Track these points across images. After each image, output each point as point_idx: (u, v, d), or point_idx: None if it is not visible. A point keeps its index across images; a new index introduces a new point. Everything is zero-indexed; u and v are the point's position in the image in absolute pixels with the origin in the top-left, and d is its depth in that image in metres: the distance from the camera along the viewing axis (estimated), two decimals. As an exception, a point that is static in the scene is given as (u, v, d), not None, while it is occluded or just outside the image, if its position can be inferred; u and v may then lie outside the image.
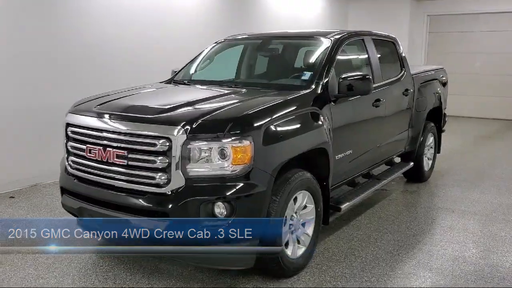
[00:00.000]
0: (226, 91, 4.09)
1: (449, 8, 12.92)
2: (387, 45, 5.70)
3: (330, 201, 4.32)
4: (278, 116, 3.50)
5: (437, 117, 6.76)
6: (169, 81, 4.89)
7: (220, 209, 3.19)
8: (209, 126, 3.24)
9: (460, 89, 12.98)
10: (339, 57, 4.49)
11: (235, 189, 3.19)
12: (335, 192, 4.58)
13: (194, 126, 3.20)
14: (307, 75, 4.26)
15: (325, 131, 3.95)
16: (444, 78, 7.08)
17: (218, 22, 8.71)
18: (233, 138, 3.18)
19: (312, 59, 4.52)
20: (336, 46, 4.47)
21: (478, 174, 6.99)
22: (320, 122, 3.90)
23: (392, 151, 5.63)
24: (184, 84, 4.69)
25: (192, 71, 5.03)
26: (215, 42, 5.29)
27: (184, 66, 5.10)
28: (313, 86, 4.09)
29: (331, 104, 4.12)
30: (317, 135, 3.83)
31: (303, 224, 3.86)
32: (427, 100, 6.17)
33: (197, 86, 4.57)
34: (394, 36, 5.83)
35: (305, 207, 3.83)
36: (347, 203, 4.44)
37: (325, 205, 4.08)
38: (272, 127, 3.40)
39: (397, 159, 6.17)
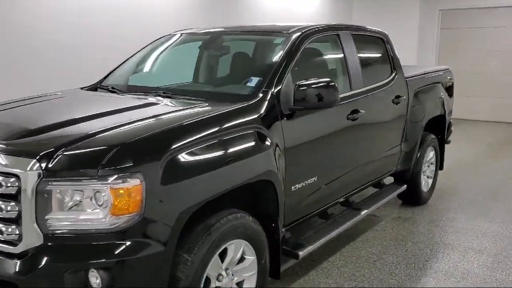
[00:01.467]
0: (140, 103, 3.11)
1: (463, 1, 11.75)
2: (373, 43, 4.67)
3: (286, 244, 3.35)
4: (192, 140, 2.51)
5: (439, 127, 5.71)
6: (94, 87, 3.92)
7: (94, 279, 2.22)
8: (77, 158, 2.27)
9: (474, 90, 11.87)
10: (301, 58, 3.49)
11: (115, 251, 2.21)
12: (299, 228, 3.60)
13: (55, 159, 2.22)
14: (253, 81, 3.26)
15: (272, 156, 2.95)
16: (449, 81, 6.01)
17: (200, 17, 7.73)
18: (113, 175, 2.20)
19: (262, 62, 3.54)
20: (295, 45, 3.46)
21: (489, 195, 5.91)
22: (265, 144, 2.91)
23: (378, 172, 4.60)
24: (107, 91, 3.71)
25: (128, 73, 4.06)
26: (162, 37, 4.31)
27: (116, 68, 4.13)
28: (260, 96, 3.09)
29: (283, 119, 3.12)
30: (257, 162, 2.84)
31: (240, 284, 2.89)
32: (425, 108, 5.12)
33: (119, 94, 3.58)
34: (383, 31, 4.78)
35: (241, 259, 2.85)
36: (308, 248, 3.43)
37: (275, 253, 3.10)
38: (180, 157, 2.41)
39: (390, 178, 5.14)
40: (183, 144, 2.44)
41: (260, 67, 3.52)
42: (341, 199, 4.09)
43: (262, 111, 3.01)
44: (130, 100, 3.28)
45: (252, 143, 2.81)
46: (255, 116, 2.96)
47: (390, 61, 4.71)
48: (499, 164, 7.54)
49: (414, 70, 5.43)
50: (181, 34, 4.18)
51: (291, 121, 3.18)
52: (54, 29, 5.78)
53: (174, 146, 2.40)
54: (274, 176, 2.95)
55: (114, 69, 4.12)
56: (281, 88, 3.17)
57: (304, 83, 3.14)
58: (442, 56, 12.43)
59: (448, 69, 6.13)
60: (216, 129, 2.66)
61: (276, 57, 3.37)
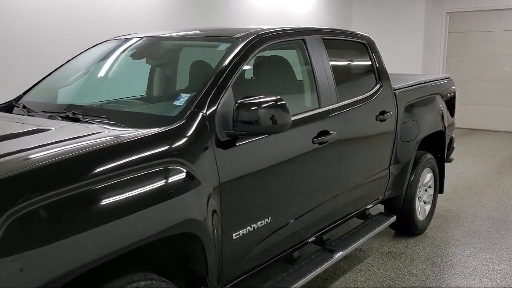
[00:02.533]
0: (23, 130, 2.40)
1: (472, 3, 10.96)
2: (353, 49, 3.95)
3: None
4: (62, 186, 1.79)
5: (438, 145, 4.96)
6: (9, 104, 3.24)
7: None
8: None
9: (486, 98, 11.06)
10: (250, 70, 2.78)
11: None
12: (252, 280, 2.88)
13: None
14: (181, 99, 2.55)
15: (197, 199, 2.24)
16: (450, 91, 5.25)
17: (181, 18, 7.04)
18: None
19: (198, 74, 2.82)
20: (242, 53, 2.74)
21: (498, 222, 5.12)
22: (185, 184, 2.20)
23: (360, 202, 3.86)
24: (17, 111, 3.03)
25: (52, 86, 3.38)
26: (98, 44, 3.62)
27: (42, 80, 3.45)
28: (185, 119, 2.38)
29: (219, 148, 2.41)
30: (169, 211, 2.13)
31: None
32: (419, 123, 4.37)
33: (24, 115, 2.89)
34: (366, 35, 4.05)
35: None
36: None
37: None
38: (38, 213, 1.70)
39: (380, 206, 4.40)
40: (43, 195, 1.73)
41: (194, 81, 2.82)
42: (312, 239, 3.35)
43: (186, 138, 2.30)
44: (18, 125, 2.58)
45: (162, 185, 2.10)
46: (175, 145, 2.25)
47: (374, 70, 3.98)
48: (510, 183, 6.73)
49: (408, 80, 4.69)
50: (118, 40, 3.49)
51: (230, 149, 2.48)
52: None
53: (24, 199, 1.69)
54: (198, 226, 2.24)
55: (39, 82, 3.44)
56: (216, 108, 2.46)
57: (246, 101, 2.44)
58: (450, 62, 11.63)
59: (449, 78, 5.37)
60: (105, 168, 1.95)
61: (214, 68, 2.66)
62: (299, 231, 3.12)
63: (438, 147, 5.00)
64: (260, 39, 2.90)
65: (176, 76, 3.10)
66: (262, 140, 2.65)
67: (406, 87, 4.32)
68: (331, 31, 3.61)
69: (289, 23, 9.20)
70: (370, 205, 4.08)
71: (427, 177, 4.77)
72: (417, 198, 4.58)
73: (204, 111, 2.42)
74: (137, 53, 3.31)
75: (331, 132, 3.20)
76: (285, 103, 2.47)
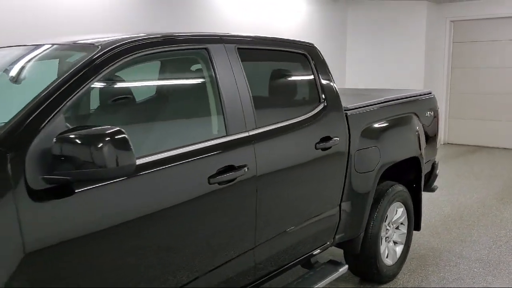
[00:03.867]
0: None
1: (478, 11, 10.14)
2: (286, 61, 3.21)
3: None
4: None
5: (412, 173, 4.18)
6: None
7: None
8: None
9: (493, 112, 10.22)
10: (110, 88, 2.07)
11: None
12: None
13: None
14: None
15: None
16: (431, 109, 4.48)
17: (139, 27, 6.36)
18: None
19: (26, 95, 2.10)
20: (90, 66, 2.03)
21: (488, 266, 4.30)
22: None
23: (297, 251, 3.10)
24: None
25: None
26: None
27: None
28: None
29: (28, 201, 1.69)
30: None
31: None
32: (381, 150, 3.60)
33: None
34: (308, 43, 3.31)
35: None
36: None
37: None
38: None
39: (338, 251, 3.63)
40: None
41: (10, 109, 2.10)
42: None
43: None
44: None
45: None
46: None
47: (317, 87, 3.23)
48: (511, 212, 5.88)
49: (375, 97, 3.94)
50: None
51: (56, 201, 1.76)
52: None
53: None
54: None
55: None
56: (30, 143, 1.75)
57: (68, 135, 1.73)
58: (454, 74, 10.80)
59: (429, 94, 4.59)
60: None
61: (38, 91, 1.94)
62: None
63: (413, 176, 4.21)
64: (131, 47, 2.18)
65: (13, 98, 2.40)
66: (123, 183, 1.93)
67: (363, 107, 3.56)
68: (252, 40, 2.87)
69: (276, 30, 8.50)
70: (318, 251, 3.32)
71: (398, 212, 3.99)
72: (382, 239, 3.80)
73: (9, 152, 1.71)
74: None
75: (240, 167, 2.47)
76: (124, 137, 1.75)
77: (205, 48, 2.52)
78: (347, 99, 3.88)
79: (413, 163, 4.14)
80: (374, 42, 10.46)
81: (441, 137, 10.96)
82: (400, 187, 3.94)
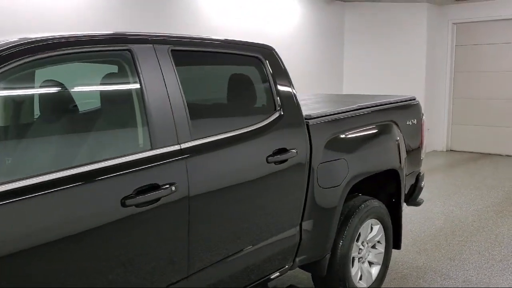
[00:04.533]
0: None
1: (483, 12, 9.76)
2: (235, 64, 2.90)
3: None
4: None
5: (391, 186, 3.85)
6: None
7: None
8: None
9: (500, 119, 9.82)
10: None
11: None
12: None
13: None
14: None
15: None
16: (414, 117, 4.14)
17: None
18: None
19: None
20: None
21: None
22: None
23: (246, 276, 2.77)
24: None
25: None
26: None
27: None
28: None
29: None
30: None
31: None
32: (349, 163, 3.27)
33: None
34: (264, 45, 2.99)
35: None
36: None
37: None
38: None
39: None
40: None
41: None
42: None
43: None
44: None
45: None
46: None
47: (273, 93, 2.91)
48: (508, 227, 5.49)
49: (349, 103, 3.62)
50: None
51: None
52: None
53: None
54: None
55: None
56: None
57: None
58: (457, 79, 10.40)
59: (413, 100, 4.25)
60: None
61: None
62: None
63: (392, 189, 3.88)
64: (26, 49, 1.88)
65: None
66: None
67: (329, 115, 3.23)
68: (191, 41, 2.55)
69: (268, 37, 8.19)
70: (276, 274, 2.99)
71: (374, 230, 3.65)
72: (354, 260, 3.46)
73: None
74: None
75: (166, 186, 2.16)
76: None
77: (128, 50, 2.22)
78: (318, 106, 3.57)
79: (392, 176, 3.80)
80: (373, 46, 10.10)
81: (444, 144, 10.57)
82: (375, 203, 3.60)
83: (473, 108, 10.24)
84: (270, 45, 2.98)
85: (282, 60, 3.00)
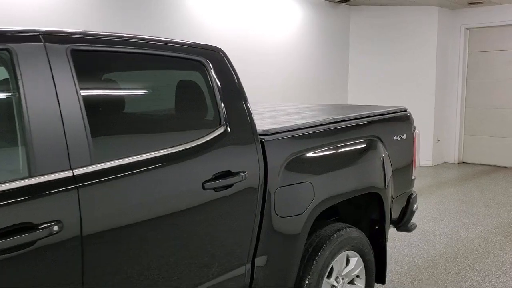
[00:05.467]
0: None
1: (497, 17, 9.17)
2: (170, 68, 2.43)
3: None
4: None
5: (375, 210, 3.34)
6: None
7: None
8: None
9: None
10: None
11: None
12: None
13: None
14: None
15: None
16: (403, 131, 3.61)
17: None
18: None
19: None
20: None
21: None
22: None
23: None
24: None
25: None
26: None
27: None
28: None
29: None
30: None
31: None
32: (314, 187, 2.76)
33: None
34: (211, 47, 2.49)
35: None
36: None
37: None
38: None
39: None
40: None
41: None
42: None
43: None
44: None
45: None
46: None
47: (217, 105, 2.42)
48: (516, 252, 4.92)
49: (318, 116, 3.12)
50: None
51: None
52: None
53: None
54: None
55: None
56: None
57: None
58: (470, 88, 9.80)
59: (404, 111, 3.73)
60: None
61: None
62: None
63: (376, 214, 3.36)
64: None
65: None
66: None
67: (291, 130, 2.73)
68: (99, 38, 2.07)
69: (264, 49, 7.72)
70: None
71: (350, 263, 3.13)
72: (324, 299, 2.94)
73: None
74: None
75: (44, 224, 1.68)
76: None
77: (6, 49, 1.75)
78: (287, 119, 3.08)
79: (374, 199, 3.28)
80: (380, 52, 9.56)
81: (455, 156, 9.96)
82: (353, 231, 3.08)
83: (487, 118, 9.63)
84: (217, 46, 2.49)
85: (233, 64, 2.51)
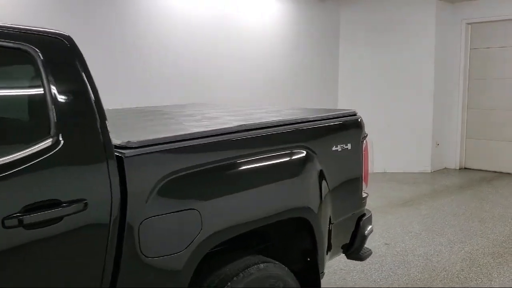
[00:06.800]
0: None
1: (501, 11, 8.40)
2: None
3: None
4: None
5: (307, 240, 2.70)
6: None
7: None
8: None
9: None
10: None
11: None
12: None
13: None
14: None
15: None
16: (346, 141, 2.96)
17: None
18: None
19: None
20: None
21: None
22: None
23: None
24: None
25: None
26: None
27: None
28: None
29: None
30: None
31: None
32: (202, 215, 2.12)
33: None
34: (43, 31, 1.87)
35: None
36: None
37: None
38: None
39: None
40: None
41: None
42: None
43: None
44: None
45: None
46: None
47: (47, 109, 1.79)
48: (504, 279, 4.20)
49: (227, 123, 2.50)
50: None
51: None
52: None
53: None
54: None
55: None
56: None
57: None
58: (472, 87, 9.05)
59: (351, 116, 3.07)
60: None
61: None
62: None
63: (308, 244, 2.72)
64: None
65: None
66: None
67: (169, 142, 2.09)
68: None
69: (241, 35, 7.11)
70: None
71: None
72: None
73: None
74: None
75: None
76: None
77: None
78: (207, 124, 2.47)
79: (304, 226, 2.64)
80: (373, 49, 8.85)
81: (457, 161, 9.22)
82: (270, 267, 2.43)
83: (490, 120, 8.87)
84: (57, 31, 1.88)
85: (82, 55, 1.89)
